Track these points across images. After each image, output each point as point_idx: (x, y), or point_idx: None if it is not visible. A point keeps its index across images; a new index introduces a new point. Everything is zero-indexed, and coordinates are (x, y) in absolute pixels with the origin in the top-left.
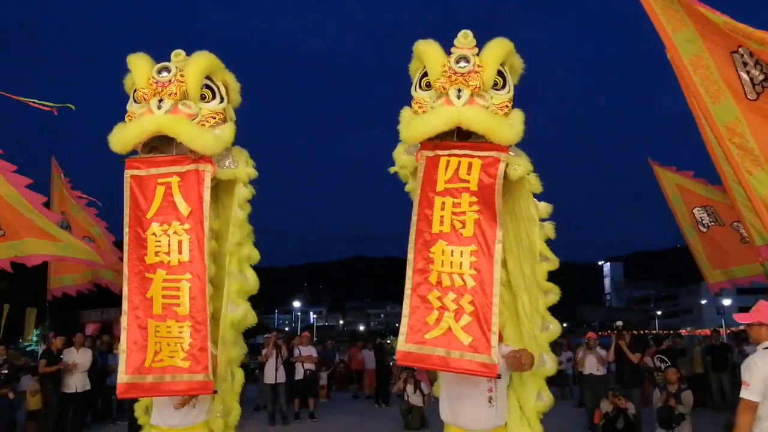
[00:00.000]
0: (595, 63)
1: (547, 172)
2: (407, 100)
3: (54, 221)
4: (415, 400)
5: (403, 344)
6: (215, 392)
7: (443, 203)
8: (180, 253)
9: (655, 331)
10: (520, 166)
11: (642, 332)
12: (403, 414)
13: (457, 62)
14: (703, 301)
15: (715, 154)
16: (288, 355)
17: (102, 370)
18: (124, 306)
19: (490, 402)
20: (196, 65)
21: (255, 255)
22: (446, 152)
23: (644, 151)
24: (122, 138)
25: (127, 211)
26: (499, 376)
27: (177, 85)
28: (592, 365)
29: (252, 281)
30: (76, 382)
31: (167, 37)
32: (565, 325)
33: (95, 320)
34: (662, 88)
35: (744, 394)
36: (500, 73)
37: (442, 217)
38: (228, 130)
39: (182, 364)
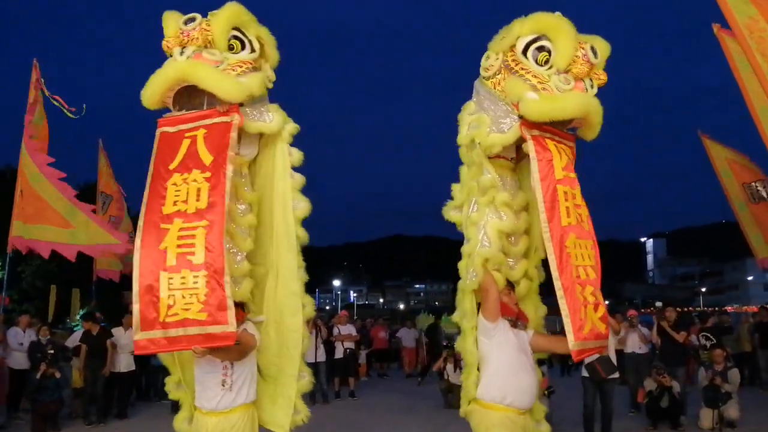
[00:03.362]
0: (643, 31)
1: (589, 145)
2: (443, 70)
3: (84, 210)
4: (456, 378)
5: (572, 342)
6: (237, 343)
7: (565, 193)
8: (198, 200)
9: (699, 309)
10: None
11: (686, 309)
12: (443, 393)
13: (593, 53)
14: (750, 278)
15: (762, 126)
16: (328, 334)
17: None
18: (136, 259)
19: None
20: (222, 14)
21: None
22: (547, 135)
23: (689, 123)
24: (148, 90)
25: (151, 168)
26: None
27: (201, 32)
28: (634, 343)
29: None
30: (122, 362)
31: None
32: (607, 302)
33: None
34: (708, 60)
35: None
36: None
37: (567, 208)
38: (256, 80)
39: (199, 317)
